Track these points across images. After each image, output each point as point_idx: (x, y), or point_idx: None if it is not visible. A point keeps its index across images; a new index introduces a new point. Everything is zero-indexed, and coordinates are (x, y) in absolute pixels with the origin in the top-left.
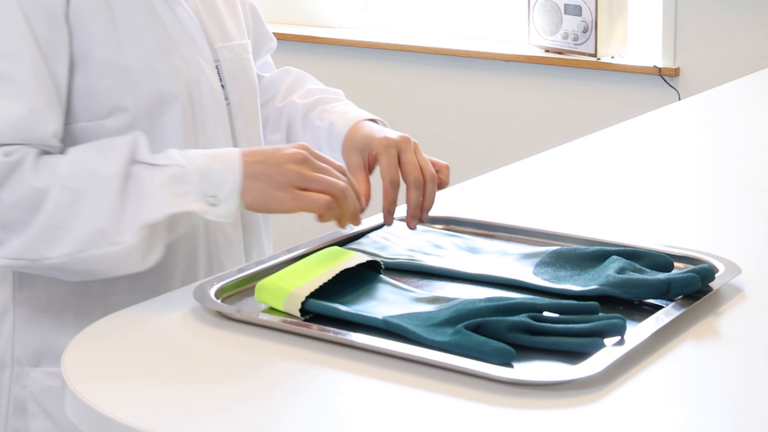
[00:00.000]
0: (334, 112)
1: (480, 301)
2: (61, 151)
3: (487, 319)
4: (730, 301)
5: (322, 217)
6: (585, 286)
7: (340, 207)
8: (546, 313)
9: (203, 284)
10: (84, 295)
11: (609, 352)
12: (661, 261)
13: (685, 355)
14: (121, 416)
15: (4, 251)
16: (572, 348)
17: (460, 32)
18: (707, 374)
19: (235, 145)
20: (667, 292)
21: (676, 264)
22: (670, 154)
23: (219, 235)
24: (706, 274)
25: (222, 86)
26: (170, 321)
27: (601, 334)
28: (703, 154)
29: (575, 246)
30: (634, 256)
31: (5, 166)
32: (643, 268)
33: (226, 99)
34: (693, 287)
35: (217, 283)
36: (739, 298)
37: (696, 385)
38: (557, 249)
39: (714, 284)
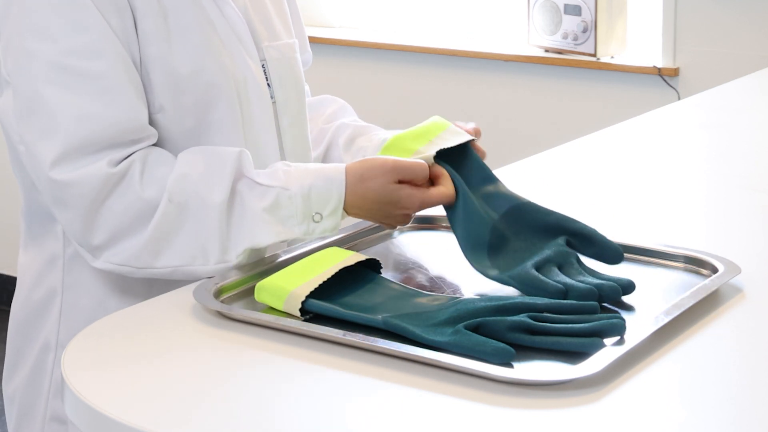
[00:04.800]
0: (384, 133)
1: (480, 300)
2: (156, 137)
3: (487, 319)
4: (730, 300)
5: None
6: (503, 271)
7: None
8: (546, 313)
9: (203, 284)
10: (127, 282)
11: (609, 352)
12: (608, 253)
13: (685, 355)
14: (121, 416)
15: (108, 256)
16: (572, 348)
17: (460, 32)
18: (707, 374)
19: (280, 142)
20: (564, 298)
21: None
22: (670, 154)
23: None
24: (609, 292)
25: (268, 85)
26: (170, 321)
27: (600, 333)
28: (703, 154)
29: (539, 208)
30: (588, 240)
31: (112, 178)
32: (574, 263)
33: (272, 97)
34: (589, 298)
35: (217, 283)
36: (738, 297)
37: (696, 385)
38: (521, 204)
39: (714, 284)
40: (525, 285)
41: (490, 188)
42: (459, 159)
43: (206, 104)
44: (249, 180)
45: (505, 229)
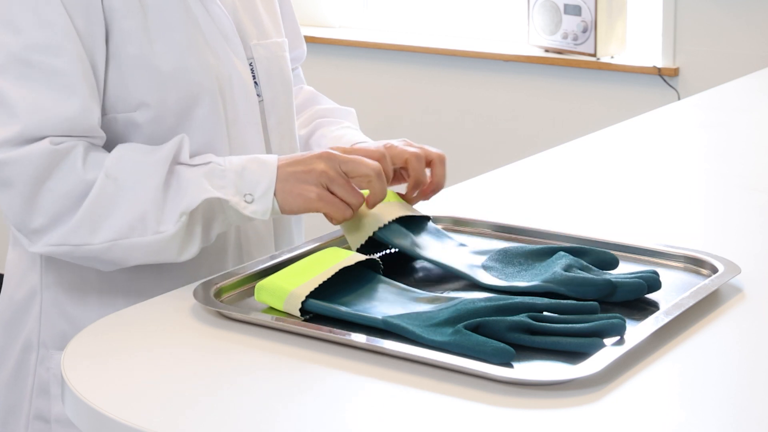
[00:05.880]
0: (330, 138)
1: (480, 301)
2: (103, 141)
3: (487, 318)
4: (729, 300)
5: (334, 220)
6: (530, 281)
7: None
8: (546, 313)
9: (203, 284)
10: (108, 281)
11: (609, 352)
12: (606, 257)
13: (685, 355)
14: (121, 416)
15: (48, 239)
16: (572, 348)
17: (460, 32)
18: (707, 374)
19: (267, 141)
20: (612, 294)
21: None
22: (670, 154)
23: (249, 228)
24: (653, 282)
25: (255, 83)
26: (170, 321)
27: (600, 334)
28: (703, 154)
29: (522, 244)
30: (580, 252)
31: (54, 155)
32: (589, 266)
33: (259, 96)
34: (638, 293)
35: (217, 283)
36: (738, 297)
37: (696, 384)
38: (505, 247)
39: (713, 284)
40: (570, 285)
41: (465, 250)
42: (420, 230)
43: (189, 102)
44: (184, 165)
45: (495, 263)
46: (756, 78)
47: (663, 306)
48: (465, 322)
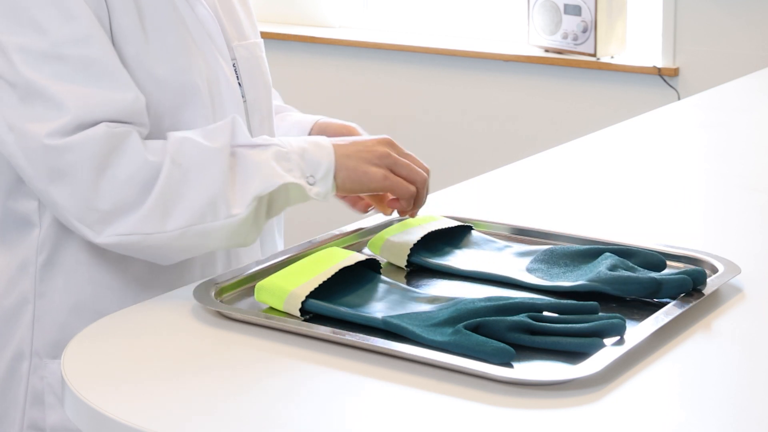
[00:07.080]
0: (290, 122)
1: (479, 300)
2: (148, 131)
3: (487, 318)
4: (729, 300)
5: (395, 203)
6: (575, 281)
7: (417, 199)
8: (546, 313)
9: (203, 284)
10: (101, 288)
11: (609, 352)
12: (654, 259)
13: (685, 355)
14: (121, 416)
15: (115, 228)
16: (572, 348)
17: (460, 32)
18: (707, 374)
19: None
20: (658, 291)
21: (675, 264)
22: (670, 154)
23: None
24: (698, 276)
25: (239, 84)
26: (170, 321)
27: (600, 333)
28: (703, 154)
29: (569, 244)
30: (627, 254)
31: (113, 138)
32: (635, 267)
33: (243, 97)
34: (683, 289)
35: (217, 283)
36: (738, 297)
37: (696, 384)
38: (551, 247)
39: (714, 284)
40: (615, 284)
41: (508, 252)
42: (460, 241)
43: (181, 104)
44: (244, 146)
45: (540, 264)
46: (756, 78)
47: (663, 306)
48: (465, 322)
